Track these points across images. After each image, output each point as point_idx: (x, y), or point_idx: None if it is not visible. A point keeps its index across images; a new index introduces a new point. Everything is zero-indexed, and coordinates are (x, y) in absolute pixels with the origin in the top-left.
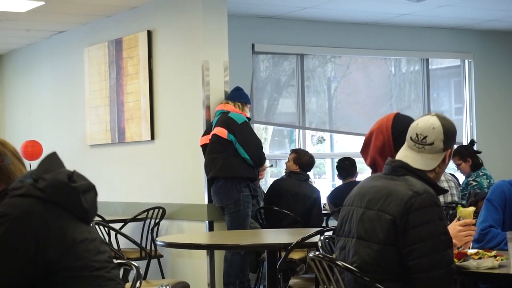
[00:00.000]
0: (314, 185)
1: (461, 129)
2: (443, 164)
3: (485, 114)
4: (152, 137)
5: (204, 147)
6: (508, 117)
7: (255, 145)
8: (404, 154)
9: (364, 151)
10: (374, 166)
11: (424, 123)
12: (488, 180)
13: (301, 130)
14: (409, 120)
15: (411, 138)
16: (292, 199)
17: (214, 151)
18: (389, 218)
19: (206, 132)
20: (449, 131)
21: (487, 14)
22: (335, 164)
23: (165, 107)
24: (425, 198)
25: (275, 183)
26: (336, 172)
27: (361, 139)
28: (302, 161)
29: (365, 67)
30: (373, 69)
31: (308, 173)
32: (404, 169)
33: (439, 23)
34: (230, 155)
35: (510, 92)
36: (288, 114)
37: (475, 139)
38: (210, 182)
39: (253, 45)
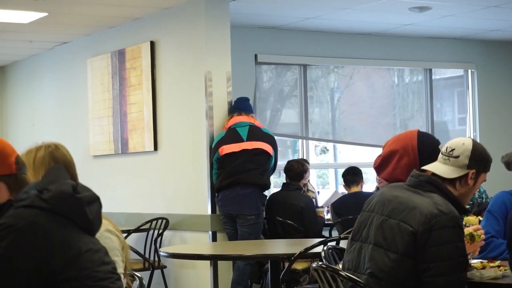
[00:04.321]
0: (318, 195)
1: None
2: (466, 184)
3: (488, 124)
4: (155, 148)
5: (229, 155)
6: (511, 127)
7: (277, 161)
8: (429, 165)
9: (381, 168)
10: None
11: (457, 140)
12: (483, 190)
13: (304, 141)
14: (434, 140)
15: (442, 152)
16: (281, 209)
17: (255, 162)
18: (411, 230)
19: (231, 141)
20: (478, 152)
21: (490, 24)
22: (339, 173)
23: (168, 117)
24: (450, 219)
25: (270, 196)
26: (339, 182)
27: (365, 149)
28: (291, 171)
29: (368, 78)
30: (376, 79)
31: (311, 183)
32: (431, 185)
33: (442, 33)
34: (266, 168)
35: None
36: (291, 125)
37: None
38: (218, 190)
39: (256, 56)
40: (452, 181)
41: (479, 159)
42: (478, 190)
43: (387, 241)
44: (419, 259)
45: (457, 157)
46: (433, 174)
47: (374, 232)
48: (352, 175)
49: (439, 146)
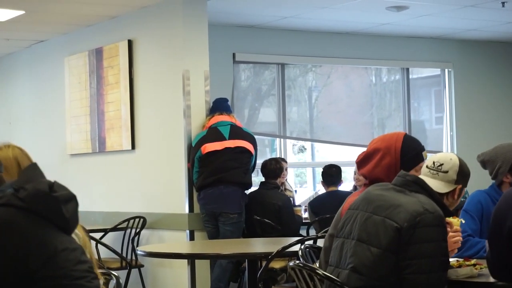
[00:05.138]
0: (295, 194)
1: (441, 139)
2: (453, 198)
3: (465, 123)
4: (133, 147)
5: (211, 153)
6: (487, 126)
7: (256, 160)
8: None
9: (363, 163)
10: (373, 182)
11: (443, 155)
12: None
13: (282, 140)
14: (418, 145)
15: (427, 166)
16: (260, 208)
17: (238, 161)
18: (395, 226)
19: (213, 139)
20: (464, 168)
21: (467, 23)
22: (317, 172)
23: (145, 116)
24: (435, 217)
25: (248, 195)
26: (317, 181)
27: (342, 148)
28: (266, 170)
29: (346, 77)
30: (354, 78)
31: (289, 181)
32: (417, 185)
33: (419, 33)
34: (249, 167)
35: (490, 101)
36: (269, 124)
37: (455, 148)
38: (200, 188)
39: (234, 55)
40: (440, 195)
41: (465, 175)
42: None
43: (370, 236)
44: (401, 256)
45: (446, 172)
46: None
47: (358, 228)
48: (332, 176)
49: (423, 153)
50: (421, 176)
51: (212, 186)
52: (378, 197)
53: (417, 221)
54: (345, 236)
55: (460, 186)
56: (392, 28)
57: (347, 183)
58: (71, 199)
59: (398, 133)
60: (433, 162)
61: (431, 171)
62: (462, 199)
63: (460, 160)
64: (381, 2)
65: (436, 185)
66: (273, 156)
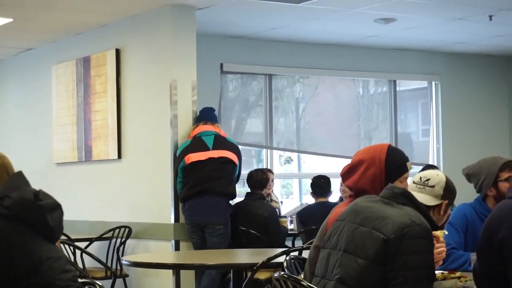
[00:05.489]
0: (281, 205)
1: (428, 151)
2: (439, 214)
3: (451, 136)
4: (119, 156)
5: (195, 164)
6: (474, 139)
7: (241, 170)
8: None
9: (348, 175)
10: (358, 193)
11: (429, 171)
12: None
13: (268, 150)
14: (402, 156)
15: (414, 181)
16: (245, 219)
17: (222, 171)
18: (382, 238)
19: (197, 149)
20: (450, 185)
21: (454, 36)
22: (303, 183)
23: (132, 125)
24: (422, 229)
25: (234, 205)
26: (303, 192)
27: (329, 160)
28: (252, 180)
29: (333, 88)
30: (341, 90)
31: (275, 192)
32: (405, 198)
33: (407, 45)
34: (233, 177)
35: (476, 114)
36: (256, 134)
37: (441, 160)
38: (185, 199)
39: (221, 65)
40: (427, 209)
41: (451, 191)
42: None
43: (357, 247)
44: (388, 267)
45: (432, 186)
46: None
47: (345, 239)
48: (321, 186)
49: (407, 164)
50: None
51: (197, 196)
52: (365, 208)
53: (404, 232)
54: (331, 247)
55: (446, 202)
56: (380, 40)
57: (334, 195)
58: (56, 207)
59: (382, 144)
60: (420, 178)
61: (418, 185)
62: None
63: (447, 177)
64: (369, 14)
65: (423, 198)
66: (260, 167)
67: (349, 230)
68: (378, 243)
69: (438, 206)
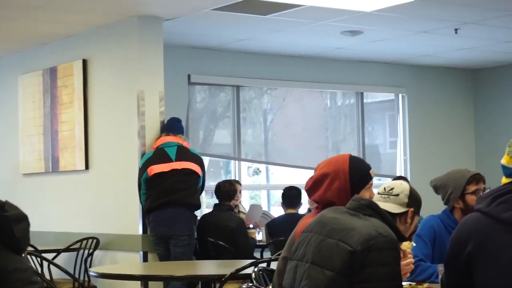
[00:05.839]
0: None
1: (395, 163)
2: (405, 223)
3: (418, 147)
4: (87, 167)
5: (158, 175)
6: (440, 151)
7: (205, 182)
8: None
9: (313, 190)
10: (325, 206)
11: (393, 181)
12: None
13: (236, 162)
14: (365, 165)
15: (378, 192)
16: (213, 230)
17: (185, 182)
18: (349, 249)
19: (160, 161)
20: (415, 193)
21: (420, 49)
22: (271, 194)
23: (100, 136)
24: (388, 241)
25: (202, 217)
26: (271, 203)
27: (297, 171)
28: (220, 192)
29: (301, 100)
30: (309, 101)
31: (244, 204)
32: (371, 209)
33: (374, 58)
34: (196, 189)
35: (442, 126)
36: (224, 145)
37: (408, 172)
38: (149, 211)
39: (189, 76)
40: (392, 217)
41: (416, 200)
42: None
43: (324, 259)
44: (355, 279)
45: (397, 195)
46: None
47: (312, 250)
48: (292, 197)
49: (370, 172)
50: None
51: (161, 208)
52: (332, 220)
53: (371, 244)
54: (298, 259)
55: (412, 209)
56: (347, 53)
57: (303, 206)
58: (23, 219)
59: (343, 155)
60: (384, 188)
61: (383, 195)
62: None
63: (411, 187)
64: (336, 27)
65: (388, 207)
66: (228, 178)
67: (316, 242)
68: (345, 255)
69: (404, 214)
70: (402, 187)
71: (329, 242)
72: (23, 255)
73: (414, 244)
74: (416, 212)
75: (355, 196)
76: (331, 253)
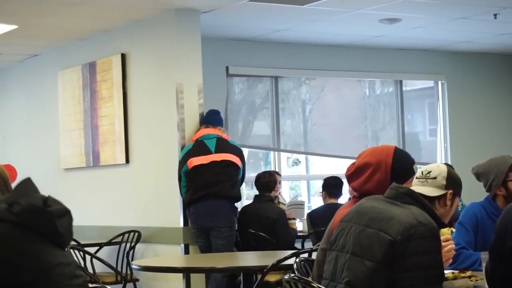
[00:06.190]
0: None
1: (435, 151)
2: (445, 205)
3: (459, 135)
4: (127, 161)
5: (198, 167)
6: (481, 138)
7: (245, 173)
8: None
9: (354, 177)
10: (363, 195)
11: (431, 164)
12: (461, 203)
13: (276, 152)
14: (409, 160)
15: (416, 177)
16: (254, 222)
17: (225, 174)
18: (389, 239)
19: (199, 153)
20: (453, 175)
21: (459, 35)
22: (311, 185)
23: (139, 130)
24: (429, 229)
25: (242, 208)
26: (311, 194)
27: (336, 161)
28: (260, 183)
29: (339, 89)
30: (347, 91)
31: (284, 194)
32: (410, 197)
33: (412, 45)
34: (236, 180)
35: (483, 113)
36: (263, 137)
37: (449, 160)
38: (189, 203)
39: (227, 68)
40: (431, 201)
41: (455, 181)
42: (461, 204)
43: (364, 249)
44: (395, 268)
45: (434, 178)
46: None
47: (352, 241)
48: (335, 187)
49: (414, 166)
50: (412, 187)
51: (201, 200)
52: (371, 209)
53: (411, 233)
54: (338, 250)
55: (451, 191)
56: (385, 41)
57: (343, 196)
58: (65, 213)
59: (388, 147)
60: (422, 172)
61: (420, 179)
62: (458, 210)
63: (449, 167)
64: (373, 15)
65: (426, 190)
66: (268, 169)
67: (356, 232)
68: (385, 245)
69: (443, 196)
70: (439, 169)
71: (369, 232)
72: (66, 249)
73: (454, 230)
74: (456, 194)
75: (393, 184)
76: (371, 243)
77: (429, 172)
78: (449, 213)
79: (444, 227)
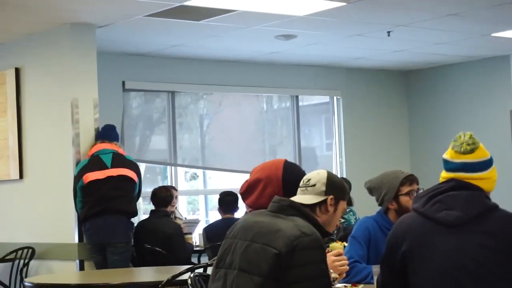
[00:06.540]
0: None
1: (331, 165)
2: (327, 211)
3: (353, 149)
4: (21, 176)
5: (93, 182)
6: (375, 152)
7: (141, 188)
8: (290, 199)
9: (247, 194)
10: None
11: (312, 172)
12: (354, 217)
13: (173, 167)
14: (300, 172)
15: (299, 186)
16: (150, 237)
17: (121, 189)
18: (274, 252)
19: (95, 168)
20: (333, 179)
21: (354, 52)
22: (209, 199)
23: (34, 145)
24: (312, 240)
25: (138, 224)
26: (209, 208)
27: (234, 176)
28: (156, 198)
29: (237, 104)
30: (245, 106)
31: (181, 209)
32: (293, 209)
33: (308, 61)
34: (133, 196)
35: (377, 127)
36: (160, 151)
37: (344, 173)
38: (85, 219)
39: (123, 82)
40: (312, 208)
41: (335, 186)
42: (355, 218)
43: (251, 265)
44: (282, 281)
45: (314, 185)
46: None
47: (238, 257)
48: (229, 203)
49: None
50: (294, 197)
51: (97, 216)
52: (255, 224)
53: (295, 244)
54: (226, 267)
55: (331, 196)
56: (281, 56)
57: (240, 210)
58: None
59: (278, 161)
60: (303, 180)
61: (301, 188)
62: (351, 224)
63: (329, 173)
64: (269, 31)
65: (305, 198)
66: (165, 184)
67: (242, 248)
68: (271, 258)
69: (324, 202)
70: (319, 176)
71: (255, 247)
72: None
73: (346, 245)
74: (339, 198)
75: (275, 197)
76: (258, 258)
77: (309, 180)
78: (334, 219)
79: (328, 235)
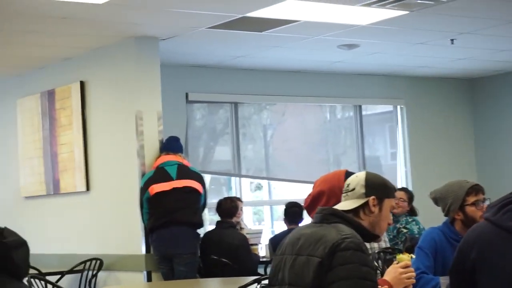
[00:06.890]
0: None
1: (395, 175)
2: (371, 212)
3: (418, 159)
4: (88, 188)
5: (159, 194)
6: (440, 161)
7: (207, 199)
8: (334, 207)
9: (311, 208)
10: None
11: (352, 176)
12: (417, 226)
13: (237, 178)
14: None
15: (342, 192)
16: (216, 248)
17: (186, 201)
18: (318, 261)
19: (161, 180)
20: (371, 179)
21: (417, 60)
22: (274, 209)
23: (99, 157)
24: (351, 242)
25: (205, 235)
26: (274, 218)
27: (299, 186)
28: (221, 209)
29: (300, 114)
30: (307, 116)
31: (246, 220)
32: (335, 216)
33: (371, 70)
34: (198, 207)
35: (441, 136)
36: (224, 162)
37: (410, 183)
38: (152, 230)
39: (187, 94)
40: (356, 212)
41: (375, 186)
42: (418, 227)
43: (298, 277)
44: (325, 283)
45: (353, 189)
46: None
47: (287, 272)
48: (294, 214)
49: None
50: (337, 205)
51: (163, 227)
52: (301, 236)
53: (335, 247)
54: (279, 284)
55: (373, 197)
56: (344, 66)
57: (304, 220)
58: (22, 245)
59: (339, 172)
60: (344, 186)
61: (343, 194)
62: (417, 236)
63: (368, 174)
64: (332, 41)
65: (345, 204)
66: (230, 195)
67: (289, 263)
68: (314, 268)
69: (366, 205)
70: (357, 179)
71: (301, 260)
72: (25, 280)
73: (414, 257)
74: (383, 197)
75: (318, 208)
76: (303, 270)
77: (348, 185)
78: (381, 219)
79: (376, 237)
